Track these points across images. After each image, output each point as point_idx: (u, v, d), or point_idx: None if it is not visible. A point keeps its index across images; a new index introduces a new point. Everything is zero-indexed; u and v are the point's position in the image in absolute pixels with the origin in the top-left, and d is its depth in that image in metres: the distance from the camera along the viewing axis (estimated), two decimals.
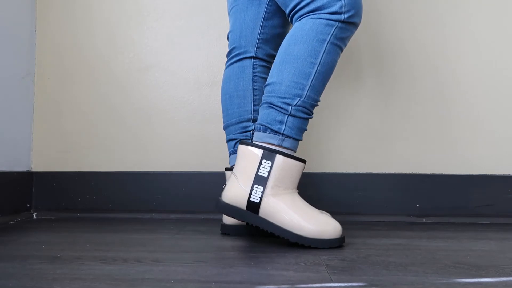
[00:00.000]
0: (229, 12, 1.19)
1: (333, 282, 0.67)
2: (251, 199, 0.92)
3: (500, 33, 1.43)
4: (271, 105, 0.95)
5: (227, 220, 1.10)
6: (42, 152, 1.46)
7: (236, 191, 0.93)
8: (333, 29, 0.94)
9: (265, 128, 0.96)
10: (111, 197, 1.43)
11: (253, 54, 1.14)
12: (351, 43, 1.45)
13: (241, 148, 0.96)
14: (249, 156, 0.94)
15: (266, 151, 0.93)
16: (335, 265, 0.78)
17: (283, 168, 0.92)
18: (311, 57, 0.94)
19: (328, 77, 0.97)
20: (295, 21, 0.99)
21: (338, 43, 0.96)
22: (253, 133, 1.13)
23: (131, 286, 0.64)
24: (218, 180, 1.41)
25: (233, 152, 1.15)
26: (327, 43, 0.94)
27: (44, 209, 1.43)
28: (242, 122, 1.14)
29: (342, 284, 0.66)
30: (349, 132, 1.44)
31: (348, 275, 0.72)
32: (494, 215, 1.39)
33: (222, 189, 1.00)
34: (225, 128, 1.17)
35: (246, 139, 1.13)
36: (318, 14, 0.95)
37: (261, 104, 0.99)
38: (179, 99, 1.46)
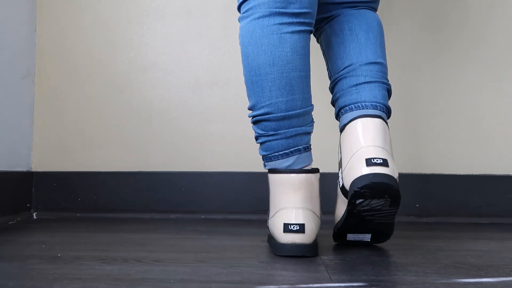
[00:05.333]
0: None
1: (333, 282, 0.67)
2: None
3: (500, 31, 1.43)
4: (389, 89, 0.97)
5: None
6: (42, 152, 1.46)
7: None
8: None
9: (389, 110, 0.95)
10: (111, 197, 1.43)
11: (312, 29, 0.92)
12: None
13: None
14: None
15: None
16: (335, 265, 0.78)
17: None
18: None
19: None
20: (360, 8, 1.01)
21: None
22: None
23: (131, 286, 0.64)
24: (218, 180, 1.41)
25: (306, 149, 0.94)
26: None
27: (44, 209, 1.43)
28: (308, 114, 0.92)
29: (342, 284, 0.66)
30: None
31: (348, 275, 0.72)
32: (494, 215, 1.39)
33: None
34: (293, 116, 0.87)
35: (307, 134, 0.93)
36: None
37: (374, 83, 0.94)
38: (179, 99, 1.46)
